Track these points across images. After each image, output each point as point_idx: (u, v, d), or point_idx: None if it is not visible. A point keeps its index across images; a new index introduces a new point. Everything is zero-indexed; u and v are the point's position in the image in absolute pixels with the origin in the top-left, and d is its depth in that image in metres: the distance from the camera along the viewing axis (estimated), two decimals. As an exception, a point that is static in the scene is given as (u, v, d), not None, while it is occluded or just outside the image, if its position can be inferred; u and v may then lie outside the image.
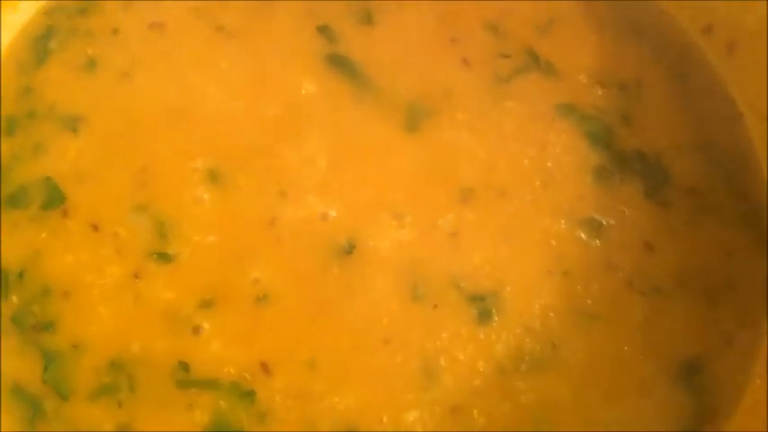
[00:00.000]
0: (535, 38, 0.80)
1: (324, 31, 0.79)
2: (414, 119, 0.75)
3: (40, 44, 0.78)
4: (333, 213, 0.70)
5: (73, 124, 0.73)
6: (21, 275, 0.66)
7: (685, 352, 0.67)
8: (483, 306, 0.67)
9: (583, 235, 0.70)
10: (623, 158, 0.75)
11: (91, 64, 0.76)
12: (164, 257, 0.67)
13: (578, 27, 0.82)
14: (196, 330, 0.65)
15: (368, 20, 0.81)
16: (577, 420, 0.64)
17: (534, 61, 0.79)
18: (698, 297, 0.69)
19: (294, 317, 0.65)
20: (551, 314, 0.67)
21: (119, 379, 0.63)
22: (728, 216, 0.72)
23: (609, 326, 0.67)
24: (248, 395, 0.62)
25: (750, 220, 0.73)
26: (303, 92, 0.75)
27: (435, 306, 0.66)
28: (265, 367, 0.63)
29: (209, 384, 0.63)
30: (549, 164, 0.74)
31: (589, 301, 0.67)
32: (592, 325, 0.67)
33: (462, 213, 0.71)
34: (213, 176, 0.70)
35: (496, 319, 0.66)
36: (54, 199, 0.69)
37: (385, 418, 0.63)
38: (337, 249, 0.68)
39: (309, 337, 0.64)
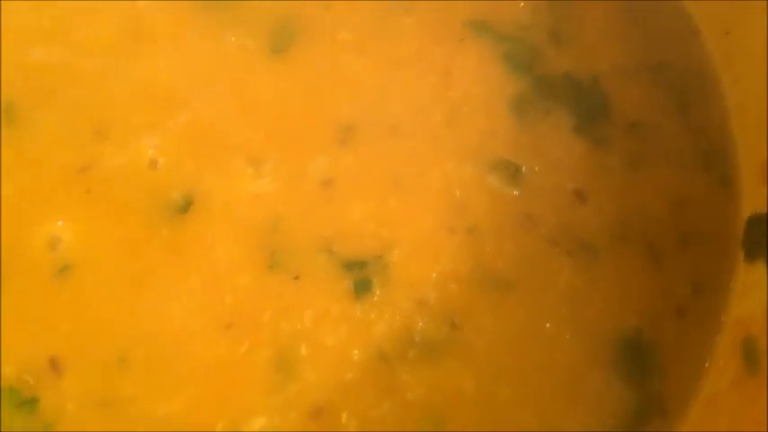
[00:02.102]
0: (441, -62, 0.65)
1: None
2: (281, 37, 0.59)
3: None
4: (164, 159, 0.53)
5: None
6: None
7: (624, 327, 0.51)
8: (361, 275, 0.51)
9: (495, 182, 0.55)
10: (549, 84, 0.59)
11: None
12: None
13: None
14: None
15: None
16: (483, 420, 0.49)
17: (439, -33, 0.64)
18: (640, 256, 0.53)
19: (102, 294, 0.49)
20: (452, 283, 0.51)
21: None
22: (681, 155, 0.56)
23: (526, 296, 0.51)
24: (28, 404, 0.46)
25: (708, 159, 0.57)
26: (139, 3, 0.59)
27: (297, 277, 0.50)
28: (55, 364, 0.46)
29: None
30: (453, 93, 0.58)
31: (501, 265, 0.52)
32: (504, 296, 0.51)
33: (339, 156, 0.55)
34: (6, 112, 0.54)
35: (378, 291, 0.50)
36: None
37: (220, 427, 0.47)
38: (168, 205, 0.52)
39: (121, 322, 0.48)
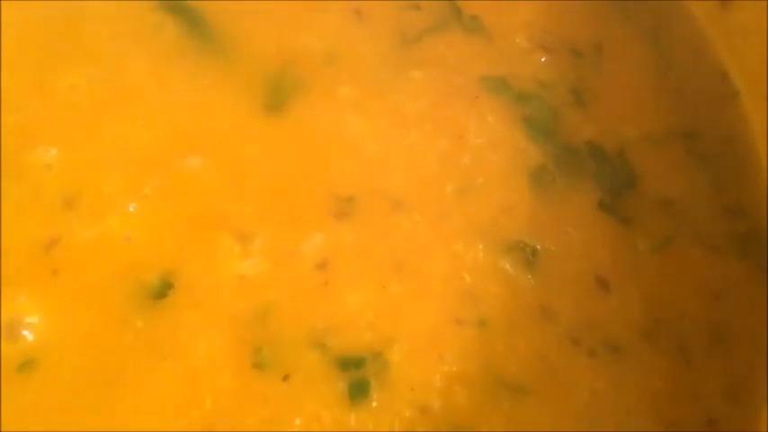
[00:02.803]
0: (456, -17, 0.59)
1: (157, -38, 0.57)
2: (276, 93, 0.53)
3: None
4: (141, 234, 0.47)
5: None
6: None
7: (652, 442, 0.47)
8: (357, 375, 0.45)
9: (509, 267, 0.49)
10: (571, 153, 0.53)
11: None
12: None
13: (516, -31, 0.61)
14: None
15: (222, -51, 0.58)
16: None
17: (454, 15, 0.58)
18: (669, 356, 0.48)
19: (68, 394, 0.43)
20: (458, 387, 0.45)
21: None
22: (715, 239, 0.51)
23: (542, 403, 0.45)
24: None
25: (745, 245, 0.51)
26: (116, 48, 0.53)
27: (285, 377, 0.44)
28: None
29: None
30: (466, 161, 0.52)
31: (514, 367, 0.46)
32: (517, 403, 0.45)
33: (336, 234, 0.49)
34: (-36, 177, 0.48)
35: (376, 395, 0.44)
36: None
37: None
38: (143, 290, 0.46)
39: (88, 427, 0.42)
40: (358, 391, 0.45)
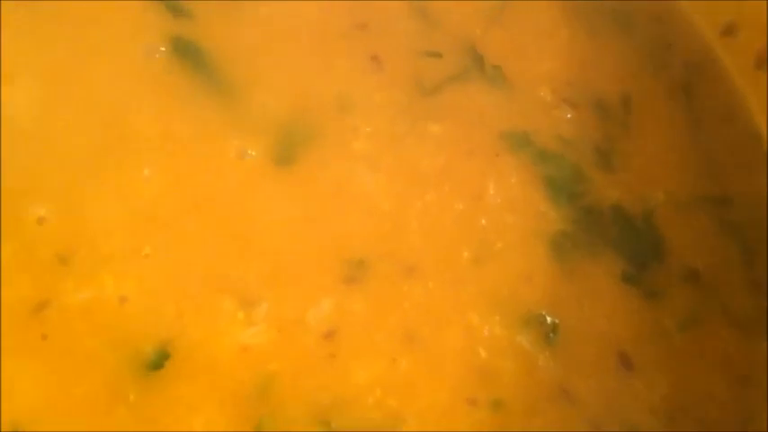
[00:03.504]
0: (480, 29, 0.56)
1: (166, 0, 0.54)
2: (287, 144, 0.50)
3: None
4: (137, 297, 0.44)
5: None
6: None
7: None
8: (364, 458, 0.43)
9: (527, 342, 0.46)
10: (595, 218, 0.51)
11: None
12: None
13: (542, 16, 0.57)
14: None
15: (234, -12, 0.55)
16: None
17: (475, 64, 0.55)
18: (697, 444, 0.46)
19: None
20: (471, 474, 0.44)
21: None
22: (744, 317, 0.49)
23: (560, 495, 0.44)
24: None
25: (778, 323, 0.50)
26: (117, 92, 0.50)
27: (287, 458, 0.43)
28: None
29: None
30: (484, 224, 0.50)
31: (531, 453, 0.44)
32: (533, 493, 0.44)
33: (345, 301, 0.46)
34: (-48, 229, 0.45)
35: (383, 481, 0.43)
36: None
37: None
38: (138, 359, 0.43)
39: None
40: (363, 476, 0.43)
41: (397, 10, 0.56)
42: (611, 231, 0.50)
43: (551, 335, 0.47)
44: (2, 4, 0.53)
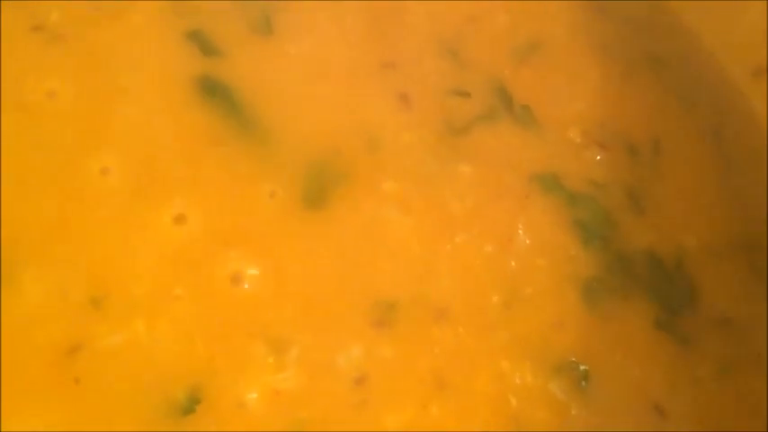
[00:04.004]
0: (509, 69, 0.56)
1: (194, 39, 0.54)
2: (317, 187, 0.50)
3: None
4: (170, 341, 0.44)
5: None
6: None
7: None
8: (394, 508, 0.43)
9: (558, 391, 0.46)
10: (627, 263, 0.50)
11: None
12: None
13: (572, 57, 0.57)
14: None
15: (264, 26, 0.55)
16: None
17: (504, 104, 0.55)
18: (729, 495, 0.46)
19: None
20: None
21: None
22: (779, 367, 0.49)
23: None
24: None
25: (812, 373, 0.49)
26: (147, 132, 0.50)
27: (319, 507, 0.42)
28: None
29: None
30: (514, 267, 0.49)
31: (563, 504, 0.44)
32: None
33: (375, 345, 0.46)
34: (-12, 270, 0.46)
35: None
36: None
37: None
38: (169, 404, 0.43)
39: None
40: None
41: (426, 49, 0.56)
42: (642, 276, 0.50)
43: (583, 383, 0.46)
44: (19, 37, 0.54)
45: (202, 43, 0.54)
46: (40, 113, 0.51)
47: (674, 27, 0.59)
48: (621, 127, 0.55)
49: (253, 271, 0.47)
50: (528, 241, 0.50)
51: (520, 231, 0.51)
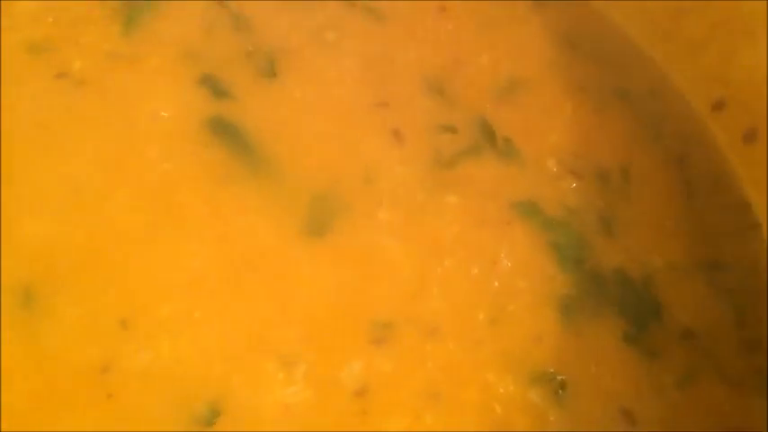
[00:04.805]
0: (492, 105, 0.61)
1: (206, 83, 0.59)
2: (319, 217, 0.55)
3: None
4: (192, 358, 0.50)
5: None
6: None
7: None
8: (393, 506, 0.48)
9: (537, 399, 0.51)
10: (599, 282, 0.56)
11: None
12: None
13: (548, 93, 0.63)
14: None
15: (269, 70, 0.61)
16: None
17: (488, 138, 0.60)
18: (692, 492, 0.51)
19: None
20: None
21: None
22: (736, 375, 0.53)
23: None
24: None
25: (764, 379, 0.54)
26: (166, 169, 0.55)
27: (326, 507, 0.48)
28: None
29: None
30: (498, 287, 0.55)
31: (543, 502, 0.49)
32: None
33: (374, 361, 0.51)
34: (24, 297, 0.51)
35: None
36: None
37: None
38: (194, 417, 0.48)
39: None
40: None
41: (416, 89, 0.61)
42: (613, 294, 0.55)
43: (560, 391, 0.52)
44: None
45: (213, 87, 0.60)
46: (68, 153, 0.56)
47: (642, 64, 0.65)
48: (594, 156, 0.60)
49: (263, 295, 0.53)
50: (510, 264, 0.56)
51: (503, 255, 0.56)
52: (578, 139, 0.61)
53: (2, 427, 0.46)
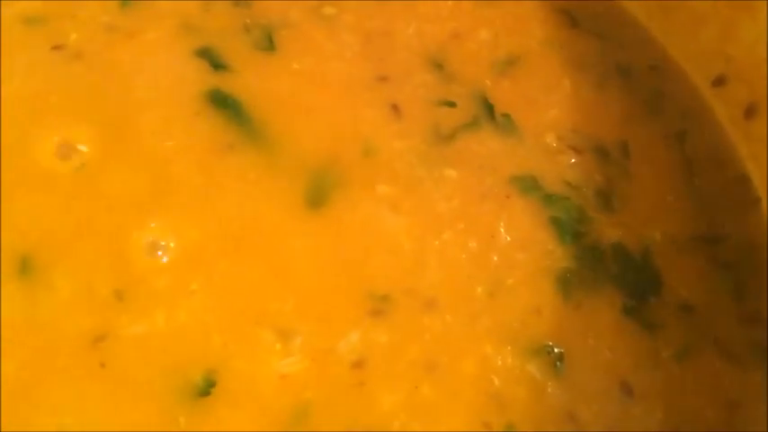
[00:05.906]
0: (491, 80, 0.61)
1: (204, 55, 0.59)
2: (318, 190, 0.55)
3: None
4: (187, 329, 0.49)
5: None
6: None
7: None
8: (388, 478, 0.48)
9: (536, 371, 0.51)
10: (598, 255, 0.55)
11: None
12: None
13: (548, 68, 0.62)
14: None
15: (267, 44, 0.60)
16: None
17: (487, 113, 0.60)
18: (692, 464, 0.51)
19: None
20: (486, 492, 0.48)
21: None
22: (734, 348, 0.53)
23: None
24: None
25: (763, 354, 0.54)
26: (163, 141, 0.55)
27: (322, 477, 0.47)
28: None
29: None
30: (496, 261, 0.54)
31: (540, 473, 0.49)
32: None
33: (371, 333, 0.51)
34: (20, 268, 0.50)
35: (406, 498, 0.48)
36: None
37: None
38: (188, 387, 0.48)
39: None
40: (388, 495, 0.47)
41: (415, 63, 0.61)
42: (612, 268, 0.55)
43: (558, 364, 0.51)
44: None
45: (211, 59, 0.59)
46: (64, 124, 0.56)
47: (642, 40, 0.64)
48: (593, 132, 0.60)
49: (260, 267, 0.53)
50: (509, 237, 0.56)
51: (501, 229, 0.56)
52: (578, 114, 0.61)
53: (-4, 394, 0.46)
